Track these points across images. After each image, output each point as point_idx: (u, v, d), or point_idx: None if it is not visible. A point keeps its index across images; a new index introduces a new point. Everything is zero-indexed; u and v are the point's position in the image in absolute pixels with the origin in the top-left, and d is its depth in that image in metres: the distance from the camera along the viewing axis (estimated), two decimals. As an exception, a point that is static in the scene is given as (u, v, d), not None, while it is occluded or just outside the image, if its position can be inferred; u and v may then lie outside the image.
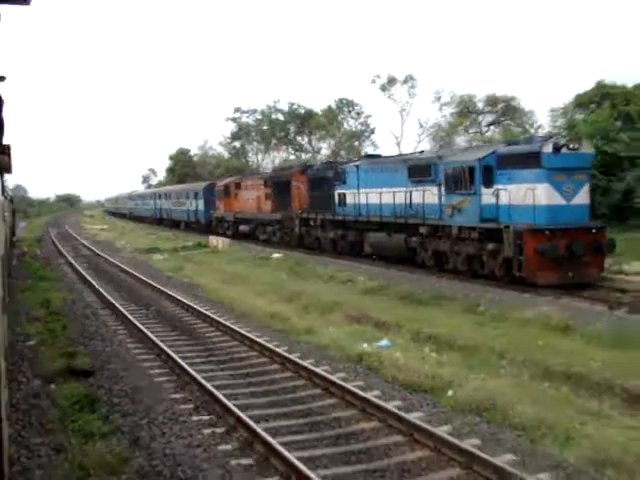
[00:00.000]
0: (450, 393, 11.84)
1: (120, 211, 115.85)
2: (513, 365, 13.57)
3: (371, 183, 31.67)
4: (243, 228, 49.53)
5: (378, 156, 40.20)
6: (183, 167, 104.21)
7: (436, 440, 9.29)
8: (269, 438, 9.42)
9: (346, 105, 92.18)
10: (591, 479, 8.34)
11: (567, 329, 15.91)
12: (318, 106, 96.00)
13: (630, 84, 51.16)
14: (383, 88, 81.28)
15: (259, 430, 9.77)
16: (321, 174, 38.46)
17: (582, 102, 53.92)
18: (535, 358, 13.71)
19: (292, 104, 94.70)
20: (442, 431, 9.67)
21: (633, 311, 17.72)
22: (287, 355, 14.36)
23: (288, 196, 41.67)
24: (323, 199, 36.87)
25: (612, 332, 15.23)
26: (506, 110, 71.53)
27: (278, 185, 44.12)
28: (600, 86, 52.71)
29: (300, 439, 9.91)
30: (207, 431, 10.37)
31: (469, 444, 9.18)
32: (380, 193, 30.00)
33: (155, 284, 26.02)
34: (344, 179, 34.42)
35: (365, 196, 31.84)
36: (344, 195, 34.48)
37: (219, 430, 10.42)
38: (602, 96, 51.32)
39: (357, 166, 33.90)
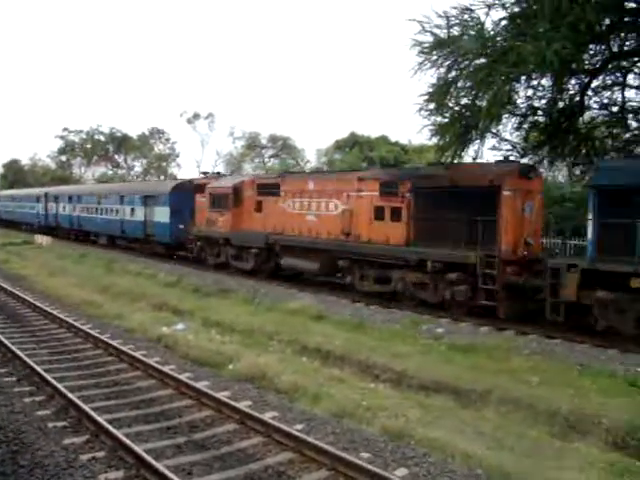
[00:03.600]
0: (230, 367, 12.21)
1: None
2: (280, 344, 14.20)
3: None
4: (295, 263, 22.52)
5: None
6: (15, 174, 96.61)
7: (218, 402, 9.63)
8: (82, 404, 9.31)
9: (157, 132, 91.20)
10: (332, 426, 9.05)
11: (321, 317, 16.87)
12: (134, 131, 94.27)
13: (374, 135, 56.06)
14: (189, 121, 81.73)
15: (73, 398, 9.59)
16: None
17: (339, 146, 58.20)
18: (297, 339, 14.43)
19: (112, 128, 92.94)
20: (223, 395, 10.01)
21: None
22: (99, 336, 14.09)
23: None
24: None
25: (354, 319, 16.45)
26: (284, 146, 74.62)
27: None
28: (352, 134, 57.56)
29: (109, 404, 9.84)
30: (28, 400, 10.02)
31: (243, 405, 9.62)
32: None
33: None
34: None
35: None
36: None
37: (38, 398, 10.10)
38: (354, 142, 55.58)
39: None
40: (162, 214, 31.36)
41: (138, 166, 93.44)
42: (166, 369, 11.44)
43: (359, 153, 54.91)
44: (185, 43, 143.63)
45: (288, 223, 22.72)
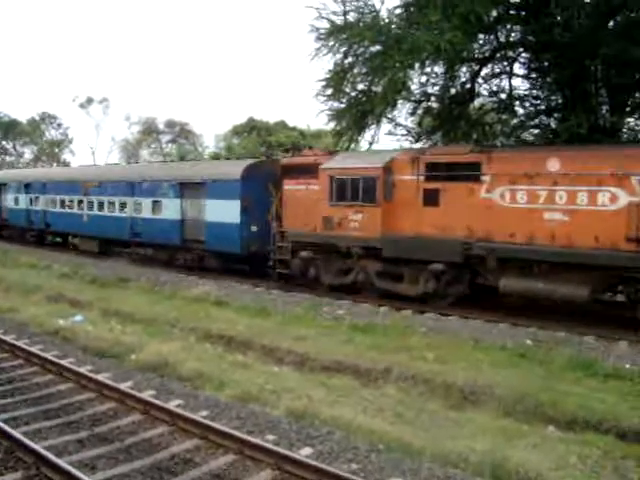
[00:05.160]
0: (133, 357, 11.98)
1: None
2: (183, 332, 14.08)
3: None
4: (533, 287, 14.61)
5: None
6: None
7: (120, 393, 9.44)
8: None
9: (48, 117, 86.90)
10: (237, 410, 9.10)
11: (222, 303, 16.83)
12: (23, 116, 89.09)
13: (272, 120, 56.44)
14: (82, 106, 78.71)
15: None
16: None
17: (237, 131, 58.04)
18: (199, 326, 14.37)
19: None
20: (125, 386, 9.83)
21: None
22: (-10, 333, 13.41)
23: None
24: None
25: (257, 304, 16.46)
26: (181, 132, 73.27)
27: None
28: (250, 120, 57.58)
29: (3, 403, 9.38)
30: None
31: (146, 394, 9.49)
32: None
33: None
34: None
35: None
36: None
37: None
38: (252, 127, 55.61)
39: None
40: (223, 211, 20.63)
41: (28, 153, 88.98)
42: (65, 362, 11.07)
43: (257, 138, 54.86)
44: (76, 24, 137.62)
45: (501, 224, 14.84)
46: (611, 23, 19.69)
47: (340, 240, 17.45)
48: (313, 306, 16.21)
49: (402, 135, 24.97)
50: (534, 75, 22.67)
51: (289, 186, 19.03)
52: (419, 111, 24.29)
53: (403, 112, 23.95)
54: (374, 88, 21.26)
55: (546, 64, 21.53)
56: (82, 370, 10.61)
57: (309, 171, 18.25)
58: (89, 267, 23.51)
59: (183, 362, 11.33)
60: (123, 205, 25.74)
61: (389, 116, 23.62)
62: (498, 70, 23.26)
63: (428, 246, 15.78)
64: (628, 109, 20.95)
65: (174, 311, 15.76)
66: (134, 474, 6.97)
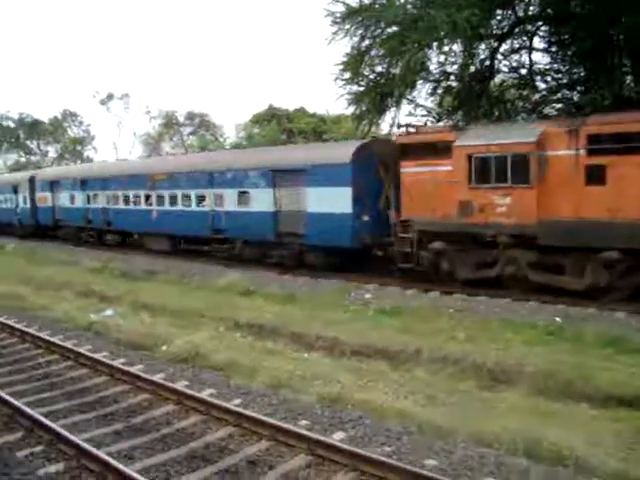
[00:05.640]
0: (164, 348, 12.16)
1: None
2: (212, 322, 14.22)
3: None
4: None
5: None
6: None
7: (154, 385, 9.60)
8: (12, 400, 8.96)
9: (70, 115, 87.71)
10: (269, 398, 9.21)
11: (249, 292, 16.95)
12: (45, 115, 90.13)
13: (291, 108, 56.38)
14: (102, 102, 79.36)
15: (2, 394, 9.23)
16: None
17: (257, 119, 57.94)
18: (228, 315, 14.51)
19: (21, 113, 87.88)
20: (158, 377, 9.99)
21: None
22: (25, 329, 13.67)
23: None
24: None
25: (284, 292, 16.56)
26: (201, 123, 73.62)
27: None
28: (270, 108, 57.51)
29: (41, 397, 9.59)
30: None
31: (179, 385, 9.64)
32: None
33: None
34: None
35: None
36: None
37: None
38: (272, 116, 55.57)
39: None
40: (330, 199, 18.15)
41: (52, 151, 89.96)
42: (98, 356, 11.28)
43: (277, 126, 54.84)
44: (94, 21, 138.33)
45: None
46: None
47: (482, 228, 15.05)
48: (340, 291, 16.26)
49: (422, 116, 24.76)
50: (554, 49, 22.29)
51: (409, 168, 16.47)
52: (439, 91, 24.04)
53: (423, 93, 23.75)
54: (392, 70, 21.11)
55: (566, 37, 21.16)
56: (115, 363, 10.80)
57: (435, 150, 15.84)
58: (117, 261, 23.82)
59: (214, 352, 11.47)
60: (201, 198, 23.14)
61: (409, 97, 23.44)
62: (517, 45, 22.92)
63: (599, 231, 13.47)
64: (654, 78, 20.52)
65: (203, 301, 15.93)
66: (170, 463, 7.11)
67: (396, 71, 20.75)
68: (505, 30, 22.13)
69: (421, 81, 22.62)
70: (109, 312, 15.53)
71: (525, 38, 22.56)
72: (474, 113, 23.17)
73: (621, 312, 13.03)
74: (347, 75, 22.45)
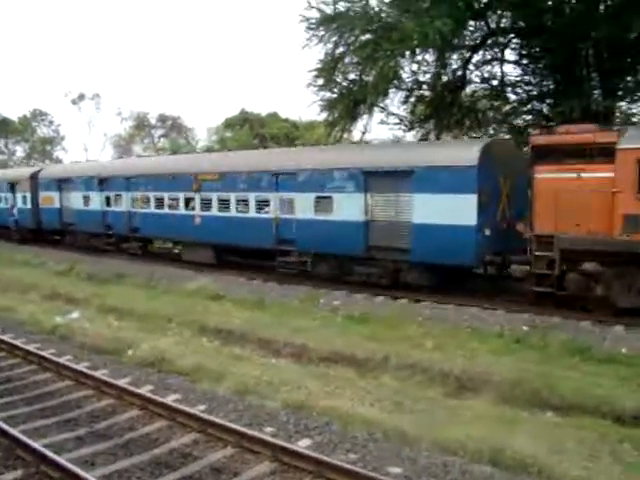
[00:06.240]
0: (130, 352, 12.00)
1: None
2: (180, 326, 14.08)
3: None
4: None
5: None
6: None
7: (118, 390, 9.46)
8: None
9: (39, 115, 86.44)
10: (234, 404, 9.14)
11: (218, 297, 16.83)
12: (14, 114, 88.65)
13: (264, 113, 56.49)
14: (74, 102, 78.40)
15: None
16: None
17: (230, 124, 57.88)
18: (196, 320, 14.38)
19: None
20: (123, 382, 9.86)
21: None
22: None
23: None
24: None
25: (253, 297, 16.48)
26: (173, 126, 73.26)
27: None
28: (243, 112, 57.40)
29: (3, 402, 9.39)
30: None
31: (144, 390, 9.52)
32: None
33: None
34: None
35: None
36: None
37: None
38: (244, 120, 55.51)
39: None
40: (446, 209, 15.34)
41: (20, 151, 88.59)
42: (62, 360, 11.09)
43: (250, 131, 54.78)
44: (67, 20, 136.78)
45: None
46: (602, 7, 19.65)
47: None
48: (309, 298, 16.23)
49: (394, 124, 24.98)
50: (525, 61, 22.65)
51: (546, 174, 14.05)
52: (411, 99, 24.28)
53: (395, 101, 23.97)
54: (365, 77, 21.24)
55: (537, 49, 21.51)
56: (80, 367, 10.63)
57: (585, 153, 13.57)
58: (84, 264, 23.47)
59: (180, 357, 11.36)
60: (262, 203, 19.83)
61: (381, 105, 23.64)
62: (489, 57, 23.24)
63: None
64: (620, 93, 20.95)
65: (170, 306, 15.78)
66: (133, 469, 7.00)
67: (369, 79, 20.88)
68: (477, 41, 22.43)
69: (393, 89, 22.82)
70: (75, 315, 15.30)
71: (497, 50, 22.88)
72: (446, 122, 23.43)
73: (586, 321, 13.21)
74: (320, 81, 22.56)
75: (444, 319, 13.78)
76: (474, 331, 12.76)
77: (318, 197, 18.08)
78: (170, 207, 23.38)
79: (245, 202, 20.37)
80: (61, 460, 6.87)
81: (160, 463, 7.19)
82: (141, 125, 74.36)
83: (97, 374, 10.22)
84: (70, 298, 17.65)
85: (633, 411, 8.78)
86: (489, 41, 22.45)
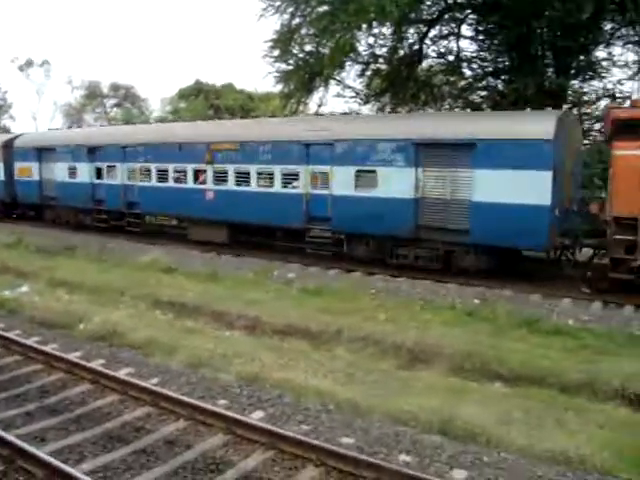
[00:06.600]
0: (81, 326, 11.80)
1: None
2: (132, 300, 13.91)
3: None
4: None
5: None
6: None
7: (69, 364, 9.31)
8: None
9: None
10: (187, 377, 9.10)
11: (171, 269, 16.67)
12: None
13: (219, 83, 55.90)
14: (21, 69, 75.48)
15: None
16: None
17: (184, 94, 57.12)
18: (149, 293, 14.24)
19: None
20: (74, 356, 9.71)
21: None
22: None
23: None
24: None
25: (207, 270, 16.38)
26: (126, 96, 71.54)
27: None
28: (197, 83, 56.64)
29: (-53, 378, 9.20)
30: None
31: (96, 364, 9.40)
32: None
33: None
34: None
35: None
36: None
37: None
38: (199, 91, 54.82)
39: None
40: (514, 186, 14.03)
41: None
42: (11, 335, 10.83)
43: (204, 102, 53.94)
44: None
45: None
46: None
47: None
48: (264, 270, 16.21)
49: (350, 97, 24.94)
50: (481, 37, 22.82)
51: (629, 151, 12.96)
52: (367, 73, 24.26)
53: (351, 74, 23.96)
54: (322, 50, 21.11)
55: (493, 26, 21.66)
56: (29, 342, 10.41)
57: None
58: (33, 236, 22.92)
59: (133, 330, 11.24)
60: (290, 177, 17.87)
61: (337, 78, 23.58)
62: (446, 32, 23.35)
63: None
64: (573, 72, 21.30)
65: (122, 279, 15.56)
66: (85, 444, 6.92)
67: (325, 51, 20.75)
68: (434, 16, 22.47)
69: (350, 62, 22.78)
70: (24, 289, 14.96)
71: (453, 25, 22.98)
72: (402, 96, 23.49)
73: (536, 294, 13.54)
74: (276, 53, 22.34)
75: (397, 292, 13.96)
76: (427, 304, 12.95)
77: (359, 171, 16.39)
78: (176, 180, 21.06)
79: (269, 176, 18.44)
80: (9, 436, 6.75)
81: (112, 437, 7.14)
82: (93, 94, 72.38)
83: (47, 348, 10.03)
84: (19, 271, 17.21)
85: (577, 381, 9.08)
86: (446, 16, 22.52)
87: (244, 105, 52.89)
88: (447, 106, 23.35)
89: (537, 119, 14.64)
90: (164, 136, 22.25)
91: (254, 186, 18.67)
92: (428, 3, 22.18)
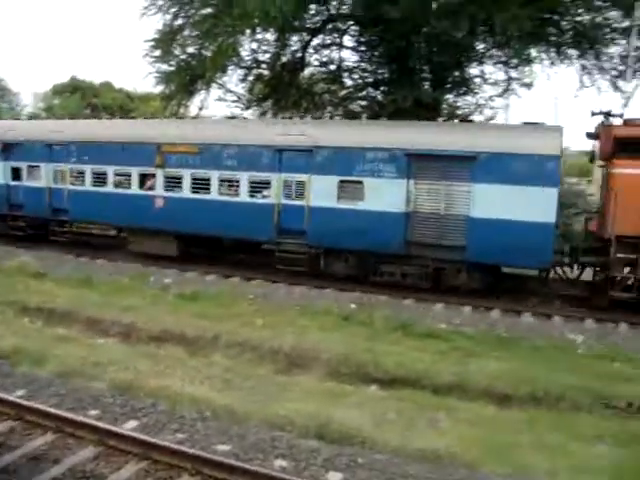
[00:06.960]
0: (-63, 334, 10.97)
1: None
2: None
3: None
4: None
5: None
6: None
7: None
8: None
9: None
10: (56, 387, 8.64)
11: (41, 275, 15.85)
12: None
13: (97, 81, 54.43)
14: None
15: None
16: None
17: (58, 90, 55.23)
18: (17, 299, 13.47)
19: None
20: None
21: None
22: None
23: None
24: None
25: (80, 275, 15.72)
26: (-4, 88, 67.50)
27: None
28: (73, 79, 54.82)
29: None
30: None
31: (-47, 375, 8.76)
32: None
33: None
34: None
35: None
36: None
37: None
38: (74, 88, 53.08)
39: None
40: (515, 202, 13.52)
41: None
42: None
43: (81, 99, 51.86)
44: None
45: None
46: (434, 5, 20.71)
47: None
48: (139, 275, 15.79)
49: (232, 102, 24.82)
50: (363, 48, 23.39)
51: (631, 169, 12.90)
52: (250, 78, 24.23)
53: (234, 78, 23.81)
54: (204, 52, 20.87)
55: (374, 38, 22.27)
56: None
57: None
58: None
59: (-3, 339, 10.56)
60: (259, 186, 16.16)
61: (219, 82, 23.39)
62: (329, 41, 23.74)
63: None
64: (448, 86, 22.30)
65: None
66: (-64, 464, 6.42)
67: (208, 54, 20.54)
68: (318, 25, 22.81)
69: (232, 66, 22.66)
70: None
71: (336, 35, 23.42)
72: (284, 102, 23.65)
73: (409, 299, 14.03)
74: (157, 53, 21.84)
75: (275, 297, 14.02)
76: (304, 309, 13.09)
77: (343, 181, 15.11)
78: (117, 185, 18.46)
79: (235, 183, 16.56)
80: None
81: (-31, 455, 6.67)
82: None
83: None
84: None
85: (449, 382, 9.52)
86: (329, 26, 22.91)
87: (123, 105, 51.31)
88: (328, 114, 23.73)
89: (542, 134, 14.00)
90: (103, 134, 19.08)
91: (215, 194, 16.69)
92: (312, 12, 22.47)
